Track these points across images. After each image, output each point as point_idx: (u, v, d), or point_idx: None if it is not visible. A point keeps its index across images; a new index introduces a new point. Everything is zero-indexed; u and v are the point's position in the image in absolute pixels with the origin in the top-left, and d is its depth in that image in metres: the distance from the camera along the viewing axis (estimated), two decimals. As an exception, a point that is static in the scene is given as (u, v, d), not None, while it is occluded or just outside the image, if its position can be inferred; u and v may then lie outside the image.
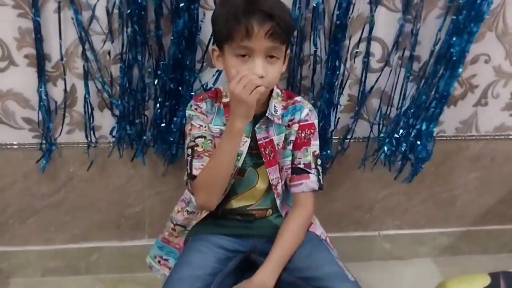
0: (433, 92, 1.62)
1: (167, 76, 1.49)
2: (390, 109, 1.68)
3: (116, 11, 1.40)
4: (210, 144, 1.23)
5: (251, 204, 1.32)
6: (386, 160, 1.76)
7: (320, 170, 1.31)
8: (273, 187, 1.30)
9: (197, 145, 1.23)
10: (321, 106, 1.60)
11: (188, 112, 1.28)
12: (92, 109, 1.55)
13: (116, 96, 1.53)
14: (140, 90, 1.51)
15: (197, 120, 1.25)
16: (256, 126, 1.25)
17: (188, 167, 1.22)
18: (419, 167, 1.77)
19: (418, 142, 1.71)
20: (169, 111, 1.55)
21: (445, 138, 1.79)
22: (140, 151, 1.63)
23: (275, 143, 1.27)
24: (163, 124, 1.56)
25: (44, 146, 1.59)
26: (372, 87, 1.63)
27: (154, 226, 1.80)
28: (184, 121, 1.43)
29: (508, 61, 1.67)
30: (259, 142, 1.26)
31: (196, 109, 1.27)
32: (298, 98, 1.32)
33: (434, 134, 1.74)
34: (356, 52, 1.57)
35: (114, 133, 1.59)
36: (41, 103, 1.50)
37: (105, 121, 1.59)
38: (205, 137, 1.23)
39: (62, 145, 1.61)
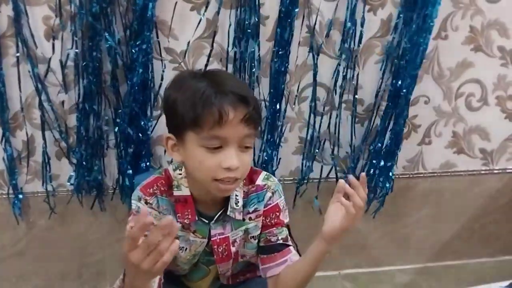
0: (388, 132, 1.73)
1: (125, 123, 1.54)
2: (338, 150, 1.76)
3: (71, 63, 1.48)
4: None
5: None
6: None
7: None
8: (220, 275, 1.23)
9: None
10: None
11: (135, 203, 1.10)
12: (49, 158, 1.60)
13: (73, 145, 1.59)
14: (98, 138, 1.57)
15: None
16: (212, 223, 1.12)
17: None
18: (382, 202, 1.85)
19: (380, 179, 1.79)
20: (133, 157, 1.60)
21: (394, 177, 1.87)
22: (100, 198, 1.68)
23: (230, 240, 1.14)
24: (130, 171, 1.61)
25: (12, 196, 1.63)
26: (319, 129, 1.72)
27: (116, 274, 1.81)
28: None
29: (446, 102, 1.79)
30: (212, 239, 1.13)
31: (146, 203, 1.10)
32: (260, 182, 1.15)
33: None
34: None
35: (72, 181, 1.63)
36: (6, 154, 1.55)
37: (63, 170, 1.64)
38: None
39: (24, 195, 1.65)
